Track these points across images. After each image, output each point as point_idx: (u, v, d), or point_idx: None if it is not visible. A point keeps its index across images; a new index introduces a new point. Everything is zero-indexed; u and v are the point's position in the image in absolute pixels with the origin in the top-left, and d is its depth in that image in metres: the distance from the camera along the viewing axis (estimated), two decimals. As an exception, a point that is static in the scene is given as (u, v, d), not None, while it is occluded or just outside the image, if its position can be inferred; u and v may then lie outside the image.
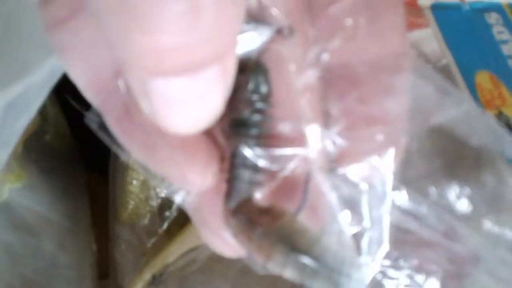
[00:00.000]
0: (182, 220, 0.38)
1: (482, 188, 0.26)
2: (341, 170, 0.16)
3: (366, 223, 0.16)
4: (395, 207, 0.18)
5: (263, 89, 0.15)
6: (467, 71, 0.33)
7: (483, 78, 0.34)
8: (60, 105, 0.42)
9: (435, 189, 0.23)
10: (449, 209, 0.23)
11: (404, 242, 0.20)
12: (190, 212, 0.18)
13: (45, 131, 0.37)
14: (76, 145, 0.42)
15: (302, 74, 0.15)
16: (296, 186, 0.16)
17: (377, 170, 0.16)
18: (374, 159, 0.16)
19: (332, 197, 0.16)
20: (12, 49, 0.25)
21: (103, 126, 0.17)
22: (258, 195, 0.16)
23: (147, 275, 0.37)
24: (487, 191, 0.25)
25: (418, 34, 0.40)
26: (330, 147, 0.15)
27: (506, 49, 0.34)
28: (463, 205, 0.23)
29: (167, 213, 0.37)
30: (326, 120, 0.15)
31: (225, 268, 0.36)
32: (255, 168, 0.15)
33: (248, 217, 0.15)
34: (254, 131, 0.15)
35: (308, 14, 0.16)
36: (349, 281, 0.15)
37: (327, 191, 0.16)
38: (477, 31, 0.35)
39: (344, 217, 0.16)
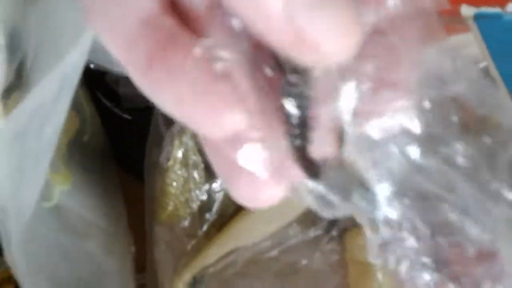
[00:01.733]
0: (221, 222, 0.38)
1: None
2: (363, 125, 0.17)
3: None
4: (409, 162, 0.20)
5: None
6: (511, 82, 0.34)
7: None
8: (94, 104, 0.42)
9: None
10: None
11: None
12: (216, 162, 0.18)
13: (84, 131, 0.38)
14: (109, 145, 0.43)
15: None
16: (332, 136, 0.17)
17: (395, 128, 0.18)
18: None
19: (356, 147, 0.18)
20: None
21: None
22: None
23: (187, 276, 0.37)
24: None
25: (457, 39, 0.40)
26: (357, 104, 0.17)
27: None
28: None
29: (207, 215, 0.38)
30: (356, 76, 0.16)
31: (262, 271, 0.37)
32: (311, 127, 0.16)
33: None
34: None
35: None
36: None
37: (352, 141, 0.17)
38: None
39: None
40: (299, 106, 0.16)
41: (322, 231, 0.36)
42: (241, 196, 0.18)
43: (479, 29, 0.35)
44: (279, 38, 0.13)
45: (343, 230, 0.36)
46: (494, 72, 0.35)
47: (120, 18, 0.16)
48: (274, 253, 0.37)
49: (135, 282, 0.41)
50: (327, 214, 0.19)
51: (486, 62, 0.34)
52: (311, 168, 0.17)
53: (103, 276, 0.36)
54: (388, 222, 0.22)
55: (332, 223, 0.36)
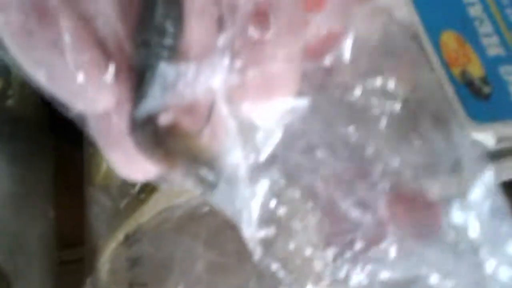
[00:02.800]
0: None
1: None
2: (240, 102, 0.17)
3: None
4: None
5: (175, 15, 0.16)
6: (433, 31, 0.34)
7: (448, 38, 0.34)
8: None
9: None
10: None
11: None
12: (96, 134, 0.18)
13: (8, 96, 0.37)
14: (44, 111, 0.42)
15: (213, 7, 0.17)
16: (200, 109, 0.17)
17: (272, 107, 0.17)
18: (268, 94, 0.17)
19: (232, 125, 0.17)
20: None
21: None
22: (165, 114, 0.17)
23: (120, 235, 0.37)
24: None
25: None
26: (233, 80, 0.17)
27: (472, 11, 0.35)
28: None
29: (139, 174, 0.38)
30: (232, 52, 0.17)
31: (197, 228, 0.37)
32: (163, 86, 0.16)
33: (155, 131, 0.17)
34: (165, 53, 0.16)
35: None
36: (240, 195, 0.17)
37: (227, 118, 0.17)
38: (444, -8, 0.36)
39: (242, 145, 0.18)
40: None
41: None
42: (118, 168, 0.18)
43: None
44: None
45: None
46: (420, 27, 0.35)
47: None
48: (206, 209, 0.37)
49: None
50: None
51: (411, 15, 0.34)
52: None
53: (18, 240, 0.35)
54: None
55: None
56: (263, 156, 0.19)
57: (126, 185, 0.38)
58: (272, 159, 0.20)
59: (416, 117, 0.31)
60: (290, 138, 0.20)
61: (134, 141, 0.17)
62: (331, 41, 0.49)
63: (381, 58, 0.35)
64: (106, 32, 0.17)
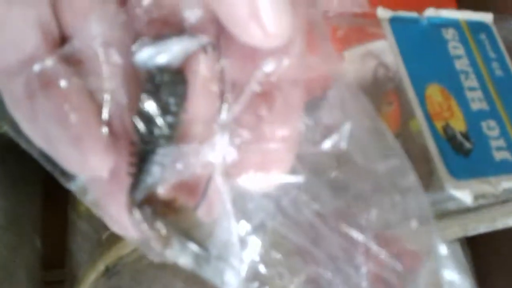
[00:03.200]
0: (139, 214, 0.38)
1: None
2: (237, 177, 0.18)
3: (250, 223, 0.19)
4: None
5: (179, 94, 0.16)
6: (418, 83, 0.35)
7: (434, 91, 0.35)
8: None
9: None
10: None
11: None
12: (88, 201, 0.19)
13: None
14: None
15: (216, 86, 0.17)
16: (198, 185, 0.18)
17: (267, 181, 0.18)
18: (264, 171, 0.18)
19: (227, 198, 0.18)
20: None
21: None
22: (163, 189, 0.17)
23: (100, 266, 0.37)
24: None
25: (379, 45, 0.41)
26: (232, 156, 0.17)
27: (458, 64, 0.36)
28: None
29: (124, 206, 0.38)
30: (232, 129, 0.17)
31: (177, 265, 0.37)
32: (163, 165, 0.17)
33: (152, 208, 0.17)
34: (166, 131, 0.17)
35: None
36: (233, 270, 0.18)
37: (223, 192, 0.18)
38: (432, 45, 0.37)
39: (234, 216, 0.18)
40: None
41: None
42: (108, 223, 0.19)
43: (393, 32, 0.36)
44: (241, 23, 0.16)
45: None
46: (405, 78, 0.36)
47: (2, 49, 0.16)
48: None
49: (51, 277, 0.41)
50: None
51: (397, 66, 0.35)
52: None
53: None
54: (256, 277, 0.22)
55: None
56: (253, 224, 0.20)
57: (110, 217, 0.38)
58: (260, 226, 0.21)
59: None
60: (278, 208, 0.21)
61: (130, 220, 0.18)
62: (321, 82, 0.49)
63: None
64: (110, 107, 0.17)
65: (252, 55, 0.17)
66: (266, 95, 0.18)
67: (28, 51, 0.16)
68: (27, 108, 0.17)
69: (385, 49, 0.43)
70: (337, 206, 0.23)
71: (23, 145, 0.19)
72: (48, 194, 0.45)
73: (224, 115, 0.17)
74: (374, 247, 0.24)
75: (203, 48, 0.17)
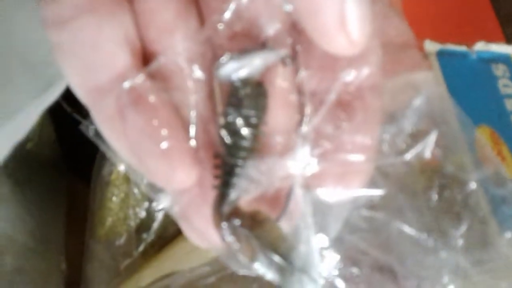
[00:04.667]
0: (159, 244, 0.36)
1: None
2: (317, 188, 0.18)
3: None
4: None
5: (260, 106, 0.17)
6: (468, 124, 0.32)
7: (483, 133, 0.32)
8: (48, 110, 0.40)
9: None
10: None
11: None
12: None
13: (29, 139, 0.36)
14: (60, 153, 0.41)
15: (295, 97, 0.18)
16: (279, 197, 0.18)
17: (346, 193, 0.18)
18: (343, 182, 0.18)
19: (307, 211, 0.18)
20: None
21: (99, 134, 0.19)
22: (246, 202, 0.18)
23: (117, 297, 0.35)
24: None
25: (420, 76, 0.39)
26: (312, 167, 0.17)
27: (510, 105, 0.33)
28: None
29: (144, 235, 0.36)
30: (313, 140, 0.18)
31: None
32: (247, 177, 0.17)
33: (239, 221, 0.17)
34: (248, 144, 0.17)
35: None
36: (313, 283, 0.18)
37: (303, 204, 0.18)
38: (482, 82, 0.34)
39: (314, 228, 0.18)
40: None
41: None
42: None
43: (441, 66, 0.34)
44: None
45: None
46: (453, 119, 0.34)
47: (93, 67, 0.17)
48: (211, 280, 0.35)
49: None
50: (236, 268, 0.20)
51: (445, 100, 0.33)
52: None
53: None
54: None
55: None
56: (330, 237, 0.20)
57: (130, 245, 0.36)
58: (338, 240, 0.21)
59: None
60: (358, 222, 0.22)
61: (218, 233, 0.18)
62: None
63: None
64: (193, 119, 0.18)
65: (332, 65, 0.18)
66: (345, 105, 0.18)
67: (119, 69, 0.17)
68: (117, 124, 0.17)
69: (426, 81, 0.40)
70: (423, 221, 0.23)
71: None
72: (71, 212, 0.44)
73: (304, 126, 0.18)
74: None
75: (282, 61, 0.17)
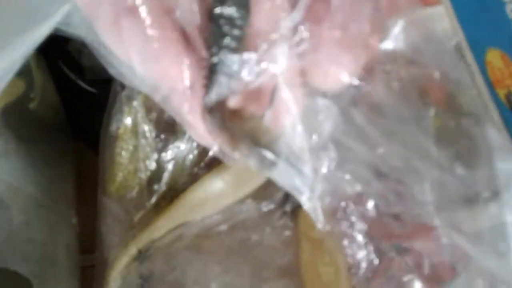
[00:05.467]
0: (171, 194, 0.36)
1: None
2: (306, 85, 0.19)
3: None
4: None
5: (244, 5, 0.17)
6: (477, 48, 0.31)
7: (494, 56, 0.32)
8: (52, 73, 0.40)
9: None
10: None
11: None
12: (171, 108, 0.21)
13: (30, 99, 0.36)
14: (64, 115, 0.41)
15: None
16: (264, 95, 0.19)
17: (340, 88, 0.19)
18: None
19: (293, 108, 0.18)
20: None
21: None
22: (232, 99, 0.19)
23: (132, 250, 0.35)
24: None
25: (429, 12, 0.38)
26: (294, 64, 0.18)
27: (518, 28, 0.32)
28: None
29: (155, 187, 0.36)
30: (296, 39, 0.18)
31: (213, 246, 0.35)
32: (231, 75, 0.18)
33: (222, 115, 0.19)
34: (233, 43, 0.18)
35: None
36: (302, 177, 0.19)
37: (289, 101, 0.18)
38: (489, 8, 0.33)
39: (304, 127, 0.19)
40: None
41: (275, 205, 0.34)
42: (193, 137, 0.21)
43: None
44: None
45: (297, 205, 0.34)
46: (464, 44, 0.33)
47: None
48: (224, 227, 0.35)
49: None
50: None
51: (455, 31, 0.32)
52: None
53: (14, 248, 0.34)
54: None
55: (286, 198, 0.34)
56: (322, 137, 0.21)
57: (141, 197, 0.36)
58: (329, 140, 0.22)
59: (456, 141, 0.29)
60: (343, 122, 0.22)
61: (204, 125, 0.19)
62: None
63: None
64: (184, 22, 0.19)
65: None
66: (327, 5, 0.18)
67: None
68: (115, 30, 0.19)
69: (435, 17, 0.39)
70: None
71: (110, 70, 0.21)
72: (80, 179, 0.44)
73: (285, 24, 0.18)
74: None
75: None
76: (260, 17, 0.18)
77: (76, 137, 0.45)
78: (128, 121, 0.36)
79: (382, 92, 0.22)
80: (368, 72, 0.21)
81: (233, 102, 0.19)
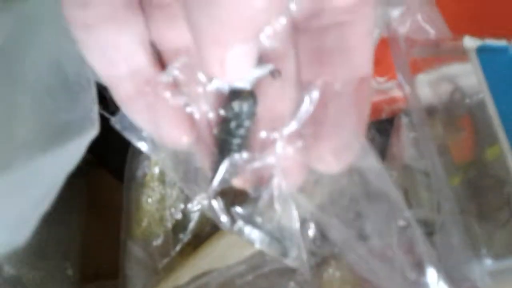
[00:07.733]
0: (196, 242, 0.37)
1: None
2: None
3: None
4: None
5: (251, 110, 0.20)
6: (502, 102, 0.32)
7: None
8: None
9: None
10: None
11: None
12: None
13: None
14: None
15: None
16: (262, 181, 0.22)
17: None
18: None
19: (287, 195, 0.21)
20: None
21: (127, 127, 0.23)
22: (235, 181, 0.21)
23: (155, 296, 0.36)
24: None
25: (455, 69, 0.38)
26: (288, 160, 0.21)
27: (550, 101, 0.33)
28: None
29: (181, 235, 0.36)
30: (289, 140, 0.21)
31: (235, 297, 0.36)
32: (235, 166, 0.21)
33: (226, 196, 0.21)
34: (238, 140, 0.20)
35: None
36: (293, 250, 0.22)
37: (282, 189, 0.21)
38: None
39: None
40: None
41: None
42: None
43: (481, 63, 0.33)
44: None
45: (321, 261, 0.35)
46: (491, 107, 0.33)
47: (114, 62, 0.20)
48: (248, 278, 0.35)
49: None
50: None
51: (483, 94, 0.32)
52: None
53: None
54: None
55: (311, 253, 0.35)
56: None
57: (167, 245, 0.37)
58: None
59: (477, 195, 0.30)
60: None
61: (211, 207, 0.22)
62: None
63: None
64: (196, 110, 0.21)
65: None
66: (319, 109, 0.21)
67: (136, 64, 0.20)
68: (130, 105, 0.21)
69: (462, 73, 0.40)
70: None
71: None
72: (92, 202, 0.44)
73: (285, 128, 0.21)
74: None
75: (271, 74, 0.20)
76: (264, 122, 0.21)
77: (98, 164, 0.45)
78: (155, 170, 0.36)
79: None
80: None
81: (236, 183, 0.21)
